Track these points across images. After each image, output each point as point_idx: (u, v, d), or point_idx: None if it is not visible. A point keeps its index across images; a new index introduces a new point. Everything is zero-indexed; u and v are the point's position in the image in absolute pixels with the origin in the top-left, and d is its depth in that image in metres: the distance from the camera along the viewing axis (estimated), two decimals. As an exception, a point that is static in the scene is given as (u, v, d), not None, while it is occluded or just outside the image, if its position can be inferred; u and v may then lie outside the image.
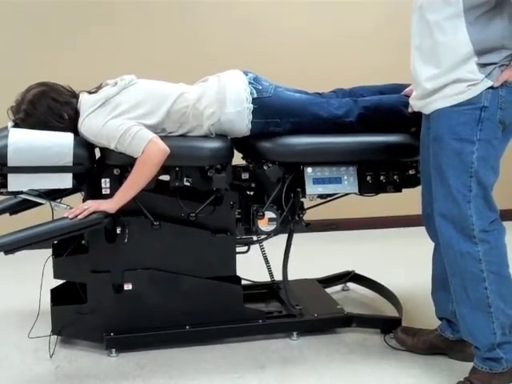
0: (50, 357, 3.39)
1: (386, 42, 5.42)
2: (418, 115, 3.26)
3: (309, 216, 3.68)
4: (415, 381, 3.23)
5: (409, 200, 5.00)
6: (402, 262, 4.80)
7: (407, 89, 3.51)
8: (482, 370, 3.07)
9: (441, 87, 2.88)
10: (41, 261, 3.38)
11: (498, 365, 3.03)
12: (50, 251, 3.40)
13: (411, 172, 3.55)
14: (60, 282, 3.52)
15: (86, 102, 3.30)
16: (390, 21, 5.41)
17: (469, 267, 2.96)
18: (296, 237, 3.68)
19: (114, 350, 3.42)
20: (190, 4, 5.17)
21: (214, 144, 3.33)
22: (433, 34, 2.86)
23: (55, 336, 3.46)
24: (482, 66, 2.80)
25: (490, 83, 2.81)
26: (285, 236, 3.67)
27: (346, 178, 3.46)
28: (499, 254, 2.98)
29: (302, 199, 3.53)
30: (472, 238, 2.93)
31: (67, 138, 3.20)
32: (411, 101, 3.16)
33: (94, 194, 3.31)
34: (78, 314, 3.39)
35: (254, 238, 3.65)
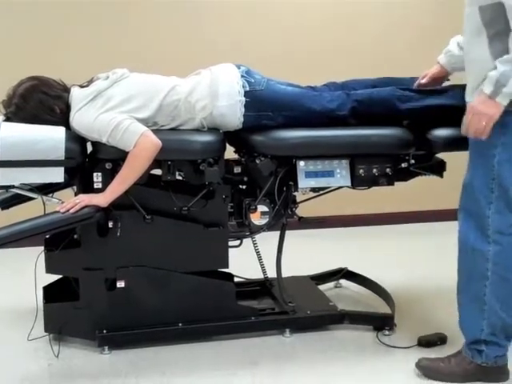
0: (57, 356, 3.36)
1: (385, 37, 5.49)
2: (411, 108, 3.31)
3: (302, 212, 3.68)
4: (408, 377, 3.23)
5: (402, 196, 5.03)
6: (395, 259, 4.80)
7: (417, 83, 3.55)
8: (465, 354, 3.17)
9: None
10: (35, 257, 3.35)
11: (479, 356, 3.13)
12: (42, 248, 3.38)
13: (403, 165, 3.55)
14: (53, 279, 3.51)
15: (77, 95, 3.28)
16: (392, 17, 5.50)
17: (476, 263, 3.07)
18: (288, 234, 3.68)
19: (106, 348, 3.40)
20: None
21: (206, 137, 3.32)
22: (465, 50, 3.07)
23: (49, 334, 3.44)
24: None
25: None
26: (277, 233, 3.67)
27: (338, 171, 3.45)
28: (509, 258, 3.05)
29: (295, 193, 3.52)
30: (487, 238, 3.03)
31: (59, 132, 3.18)
32: None
33: (86, 188, 3.30)
34: (71, 312, 3.37)
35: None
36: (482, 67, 2.90)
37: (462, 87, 3.29)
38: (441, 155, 3.65)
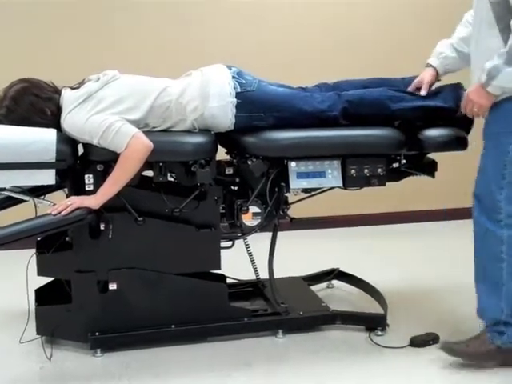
0: (49, 359, 3.35)
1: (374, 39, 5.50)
2: (402, 109, 3.33)
3: (294, 213, 3.69)
4: (401, 377, 3.23)
5: (394, 197, 5.04)
6: (387, 259, 4.81)
7: (416, 80, 3.55)
8: (485, 336, 3.28)
9: None
10: (26, 260, 3.34)
11: (499, 338, 3.24)
12: (34, 251, 3.37)
13: (395, 165, 3.57)
14: (45, 281, 3.50)
15: (68, 97, 3.28)
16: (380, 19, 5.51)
17: (491, 246, 3.21)
18: (280, 234, 3.68)
19: (99, 350, 3.39)
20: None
21: (198, 139, 3.32)
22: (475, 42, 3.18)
23: (41, 337, 3.43)
24: None
25: None
26: (269, 234, 3.67)
27: (330, 171, 3.45)
28: None
29: (287, 194, 3.53)
30: (499, 222, 3.17)
31: (50, 134, 3.17)
32: None
33: (78, 190, 3.29)
34: (63, 314, 3.37)
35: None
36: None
37: (453, 87, 3.33)
38: (433, 155, 3.67)
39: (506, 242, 3.17)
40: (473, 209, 3.28)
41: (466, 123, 3.55)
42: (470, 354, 3.30)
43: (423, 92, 3.50)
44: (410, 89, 3.56)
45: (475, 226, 3.27)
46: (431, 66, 3.57)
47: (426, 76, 3.55)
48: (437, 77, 3.57)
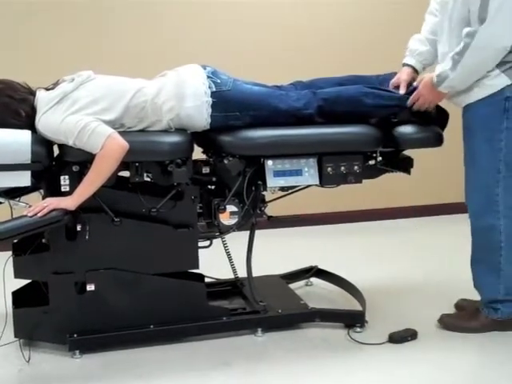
0: (27, 361, 3.33)
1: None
2: (377, 105, 3.39)
3: (271, 212, 3.69)
4: (380, 373, 3.24)
5: (371, 194, 5.06)
6: (365, 256, 4.83)
7: (394, 80, 3.58)
8: (482, 311, 3.59)
9: (468, 87, 3.32)
10: (3, 263, 3.30)
11: (495, 313, 3.56)
12: (10, 253, 3.35)
13: (371, 163, 3.58)
14: (22, 283, 3.48)
15: (43, 98, 3.26)
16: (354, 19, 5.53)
17: (490, 237, 3.44)
18: (258, 233, 3.69)
19: (77, 352, 3.37)
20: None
21: (174, 138, 3.31)
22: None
23: (19, 339, 3.41)
24: (499, 64, 3.22)
25: (507, 80, 3.23)
26: (247, 233, 3.67)
27: (306, 169, 3.46)
28: None
29: (264, 192, 3.53)
30: (497, 213, 3.38)
31: (25, 136, 3.15)
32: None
33: (54, 191, 3.27)
34: (41, 317, 3.35)
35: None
36: None
37: None
38: (409, 152, 3.69)
39: (504, 231, 3.40)
40: (469, 204, 3.46)
41: (442, 119, 3.57)
42: (471, 328, 3.58)
43: (402, 90, 3.52)
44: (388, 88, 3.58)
45: (475, 220, 3.47)
46: (408, 65, 3.59)
47: (402, 75, 3.58)
48: (416, 74, 3.61)
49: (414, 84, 3.54)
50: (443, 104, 3.55)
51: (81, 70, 3.37)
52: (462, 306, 3.84)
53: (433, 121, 3.57)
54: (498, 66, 3.22)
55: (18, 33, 4.93)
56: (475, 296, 3.66)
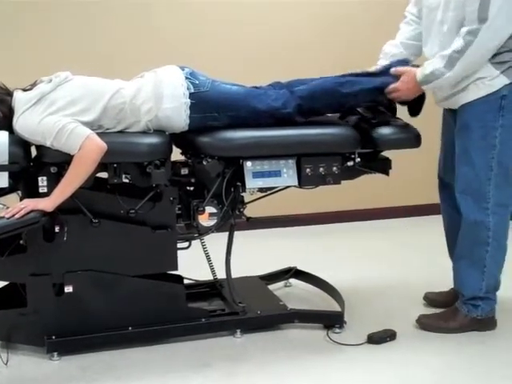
0: (5, 364, 3.30)
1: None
2: (355, 92, 3.46)
3: (250, 213, 3.70)
4: (359, 374, 3.25)
5: (350, 194, 5.06)
6: (343, 257, 4.83)
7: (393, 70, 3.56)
8: (461, 310, 3.62)
9: (464, 87, 3.38)
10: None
11: (475, 310, 3.60)
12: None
13: (349, 164, 3.58)
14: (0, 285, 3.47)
15: (20, 99, 3.24)
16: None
17: (478, 233, 3.49)
18: (237, 234, 3.70)
19: (55, 354, 3.36)
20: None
21: (152, 139, 3.30)
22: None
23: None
24: (497, 63, 3.30)
25: (506, 80, 3.31)
26: (226, 234, 3.67)
27: (285, 170, 3.46)
28: (505, 227, 3.53)
29: (243, 193, 3.53)
30: (486, 210, 3.45)
31: (2, 137, 3.14)
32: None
33: (31, 192, 3.26)
34: (18, 318, 3.33)
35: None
36: None
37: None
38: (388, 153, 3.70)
39: (492, 228, 3.46)
40: (460, 204, 3.51)
41: (417, 102, 3.57)
42: (450, 328, 3.61)
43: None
44: None
45: (465, 218, 3.51)
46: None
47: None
48: None
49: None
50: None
51: (59, 70, 3.35)
52: (431, 298, 3.93)
53: (408, 104, 3.59)
54: (497, 66, 3.30)
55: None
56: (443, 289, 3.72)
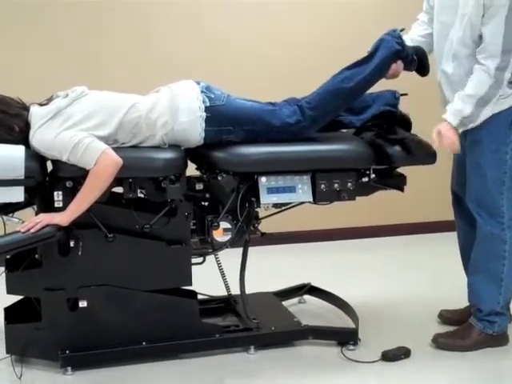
0: (19, 378, 3.30)
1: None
2: (359, 83, 3.45)
3: (265, 228, 3.70)
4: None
5: (364, 211, 5.04)
6: (357, 274, 4.81)
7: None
8: (476, 326, 3.59)
9: None
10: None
11: (491, 327, 3.57)
12: (3, 269, 3.33)
13: (364, 180, 3.57)
14: (14, 299, 3.47)
15: (36, 114, 3.26)
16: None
17: (495, 246, 3.50)
18: (251, 250, 3.69)
19: (69, 368, 3.35)
20: (141, 10, 5.12)
21: (168, 154, 3.31)
22: (464, 64, 3.38)
23: (11, 355, 3.39)
24: (510, 83, 3.31)
25: None
26: (240, 250, 3.66)
27: (300, 186, 3.46)
28: None
29: (257, 209, 3.53)
30: (501, 224, 3.47)
31: (18, 151, 3.16)
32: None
33: (47, 207, 3.27)
34: (33, 333, 3.33)
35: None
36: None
37: None
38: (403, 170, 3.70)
39: (509, 242, 3.48)
40: (474, 213, 3.52)
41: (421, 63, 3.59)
42: (465, 346, 3.57)
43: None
44: None
45: (480, 229, 3.51)
46: None
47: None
48: None
49: None
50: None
51: (75, 85, 3.37)
52: (446, 316, 3.88)
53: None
54: (511, 86, 3.32)
55: (15, 48, 4.93)
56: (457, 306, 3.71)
